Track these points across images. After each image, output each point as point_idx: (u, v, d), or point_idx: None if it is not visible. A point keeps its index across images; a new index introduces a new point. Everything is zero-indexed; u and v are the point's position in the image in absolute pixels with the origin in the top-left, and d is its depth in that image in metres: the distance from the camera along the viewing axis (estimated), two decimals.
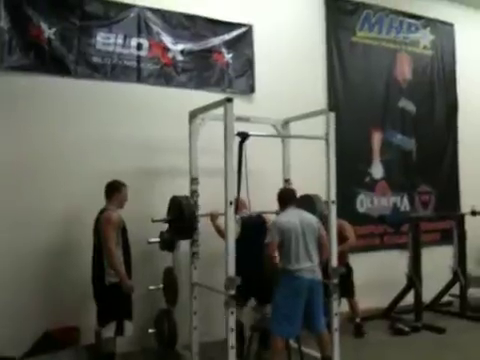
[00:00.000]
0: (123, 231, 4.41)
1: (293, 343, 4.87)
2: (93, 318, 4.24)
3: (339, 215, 4.96)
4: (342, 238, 5.64)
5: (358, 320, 5.90)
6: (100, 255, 4.28)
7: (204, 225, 4.98)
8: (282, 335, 4.37)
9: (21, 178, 4.89)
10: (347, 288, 5.82)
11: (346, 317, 5.95)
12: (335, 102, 6.64)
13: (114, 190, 4.51)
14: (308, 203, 5.08)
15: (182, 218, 4.70)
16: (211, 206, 4.74)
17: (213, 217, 4.87)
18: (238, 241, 4.57)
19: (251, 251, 4.49)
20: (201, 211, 4.98)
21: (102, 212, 4.39)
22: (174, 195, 4.91)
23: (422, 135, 7.56)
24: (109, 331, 4.22)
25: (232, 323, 4.13)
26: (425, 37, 7.74)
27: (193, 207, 4.81)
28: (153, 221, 4.85)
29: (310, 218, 4.59)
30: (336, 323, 4.75)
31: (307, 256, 4.38)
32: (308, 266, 4.35)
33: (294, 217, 4.49)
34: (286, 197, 4.71)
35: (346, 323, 5.83)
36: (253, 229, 4.49)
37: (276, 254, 4.37)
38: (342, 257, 5.73)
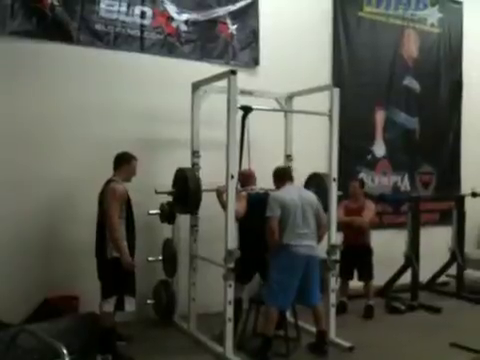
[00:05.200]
0: (128, 204, 4.26)
1: (289, 317, 4.91)
2: (93, 287, 4.24)
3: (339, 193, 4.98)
4: (361, 215, 5.70)
5: (372, 302, 5.83)
6: (103, 228, 4.16)
7: (204, 196, 4.97)
8: (276, 306, 4.40)
9: (23, 144, 4.84)
10: (366, 271, 5.82)
11: (353, 295, 6.01)
12: (340, 78, 6.57)
13: (123, 162, 4.35)
14: (318, 182, 5.03)
15: (187, 192, 4.61)
16: (212, 179, 4.69)
17: (219, 192, 4.68)
18: (245, 217, 4.58)
19: (257, 226, 4.42)
20: (202, 184, 4.96)
21: (108, 183, 4.24)
22: (179, 167, 4.84)
23: (426, 115, 7.51)
24: (108, 305, 4.13)
25: (230, 296, 4.16)
26: (433, 15, 7.62)
27: (199, 180, 4.70)
28: (157, 192, 4.78)
29: (310, 195, 4.58)
30: (333, 299, 4.79)
31: (305, 232, 4.38)
32: (306, 242, 4.36)
33: (294, 193, 4.48)
34: (282, 174, 4.69)
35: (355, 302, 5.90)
36: (259, 205, 4.44)
37: (277, 228, 4.33)
38: (361, 236, 5.75)
